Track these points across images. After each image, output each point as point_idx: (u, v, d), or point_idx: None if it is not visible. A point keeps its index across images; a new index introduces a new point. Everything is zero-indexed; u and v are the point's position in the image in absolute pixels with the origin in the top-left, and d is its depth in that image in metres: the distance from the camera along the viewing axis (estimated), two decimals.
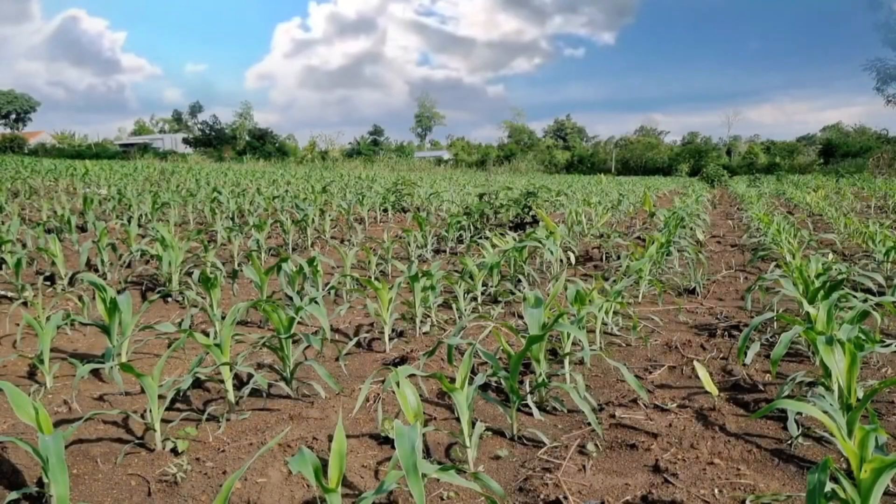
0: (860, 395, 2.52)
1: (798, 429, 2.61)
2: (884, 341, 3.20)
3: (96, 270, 6.08)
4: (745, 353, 3.03)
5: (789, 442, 2.57)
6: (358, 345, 4.12)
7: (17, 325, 4.24)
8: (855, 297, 3.39)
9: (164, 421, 2.79)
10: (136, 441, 2.65)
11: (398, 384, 2.25)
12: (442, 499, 2.24)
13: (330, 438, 2.64)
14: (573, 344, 3.74)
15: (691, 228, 9.12)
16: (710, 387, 2.82)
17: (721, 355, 3.75)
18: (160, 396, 2.67)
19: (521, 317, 4.66)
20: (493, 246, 6.39)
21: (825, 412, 2.30)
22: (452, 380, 2.72)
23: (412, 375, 2.61)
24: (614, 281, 5.16)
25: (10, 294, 5.14)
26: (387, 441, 2.65)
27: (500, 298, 5.22)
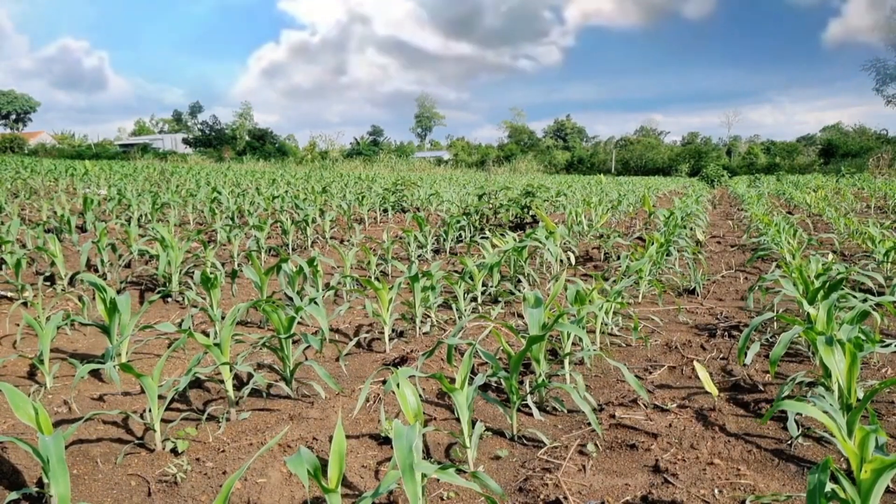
0: (860, 395, 2.52)
1: (798, 429, 2.61)
2: (884, 341, 3.20)
3: (96, 271, 6.08)
4: (745, 354, 3.03)
5: (789, 442, 2.58)
6: (358, 345, 4.12)
7: (17, 325, 4.25)
8: (855, 297, 3.39)
9: (164, 421, 2.79)
10: (136, 441, 2.65)
11: (398, 385, 2.25)
12: (442, 499, 2.24)
13: (330, 439, 2.64)
14: (573, 344, 3.74)
15: (691, 228, 9.12)
16: (710, 387, 2.82)
17: (721, 355, 3.75)
18: (160, 396, 2.67)
19: (521, 317, 4.66)
20: (493, 246, 6.39)
21: (825, 412, 2.31)
22: (452, 380, 2.73)
23: (412, 376, 2.61)
24: (614, 281, 5.16)
25: (10, 294, 5.14)
26: (387, 441, 2.65)
27: (500, 298, 5.22)
